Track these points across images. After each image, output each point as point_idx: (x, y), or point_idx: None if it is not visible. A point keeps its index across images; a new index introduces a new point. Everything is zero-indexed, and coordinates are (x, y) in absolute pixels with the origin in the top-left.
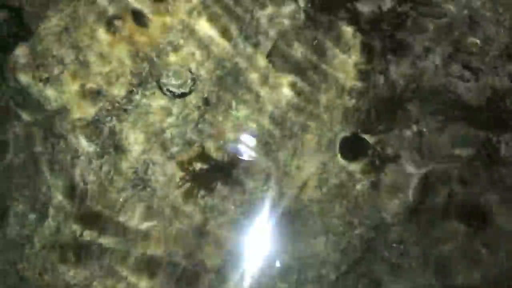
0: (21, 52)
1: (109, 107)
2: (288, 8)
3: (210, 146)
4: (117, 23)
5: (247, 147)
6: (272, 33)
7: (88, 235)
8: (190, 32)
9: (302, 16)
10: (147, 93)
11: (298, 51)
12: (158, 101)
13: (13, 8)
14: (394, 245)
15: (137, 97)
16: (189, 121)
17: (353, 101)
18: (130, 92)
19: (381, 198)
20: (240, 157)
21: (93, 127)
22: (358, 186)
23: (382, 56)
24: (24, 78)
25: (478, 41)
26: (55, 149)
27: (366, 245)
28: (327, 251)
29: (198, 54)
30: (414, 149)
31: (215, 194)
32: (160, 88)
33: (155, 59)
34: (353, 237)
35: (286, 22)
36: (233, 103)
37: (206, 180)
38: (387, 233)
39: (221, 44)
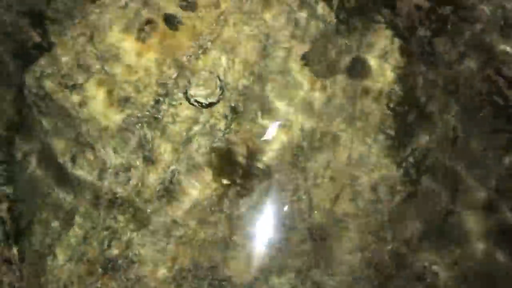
0: (45, 62)
1: (139, 114)
2: (321, 10)
3: (237, 156)
4: (148, 28)
5: (275, 157)
6: (307, 36)
7: (116, 246)
8: (218, 37)
9: (336, 19)
10: (174, 103)
11: (333, 54)
12: (185, 111)
13: (37, 16)
14: (426, 264)
15: (165, 106)
16: (216, 130)
17: (391, 105)
18: (157, 101)
19: (415, 210)
20: (268, 167)
21: (120, 136)
22: (396, 199)
23: (420, 59)
24: (49, 86)
25: (509, 49)
26: (80, 159)
27: (398, 260)
28: (361, 268)
29: (225, 60)
30: (450, 156)
31: (242, 205)
32: (187, 99)
33: (183, 65)
34: (386, 253)
35: (321, 25)
36: (262, 111)
37: (233, 190)
38: (419, 248)
39: (249, 49)
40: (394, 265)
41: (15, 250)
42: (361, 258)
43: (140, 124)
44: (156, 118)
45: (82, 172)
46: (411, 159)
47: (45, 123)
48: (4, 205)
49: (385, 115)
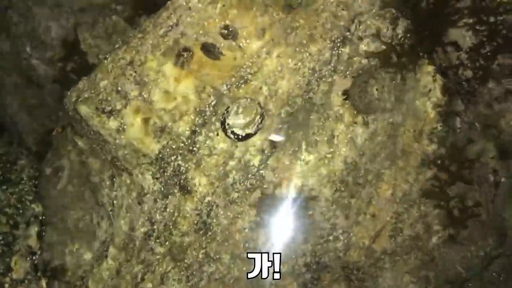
0: (83, 86)
1: (174, 146)
2: (368, 47)
3: (271, 192)
4: (187, 55)
5: (314, 194)
6: (350, 71)
7: (149, 280)
8: (259, 68)
9: (383, 55)
10: (211, 134)
11: (376, 91)
12: (222, 143)
13: (72, 44)
14: None
15: (201, 138)
16: (250, 166)
17: (432, 146)
18: (194, 132)
19: (458, 251)
20: (306, 204)
21: (157, 165)
22: (434, 239)
23: (461, 99)
24: (85, 111)
25: None
26: (116, 182)
27: None
28: None
29: (266, 90)
30: (491, 200)
31: (276, 242)
32: (224, 130)
33: (222, 94)
34: None
35: (364, 61)
36: (303, 145)
37: (266, 226)
38: None
39: (291, 81)
40: None
41: (43, 283)
42: None
43: (175, 156)
44: (191, 151)
45: (119, 194)
46: (452, 203)
47: (81, 143)
48: (33, 229)
49: (425, 154)
